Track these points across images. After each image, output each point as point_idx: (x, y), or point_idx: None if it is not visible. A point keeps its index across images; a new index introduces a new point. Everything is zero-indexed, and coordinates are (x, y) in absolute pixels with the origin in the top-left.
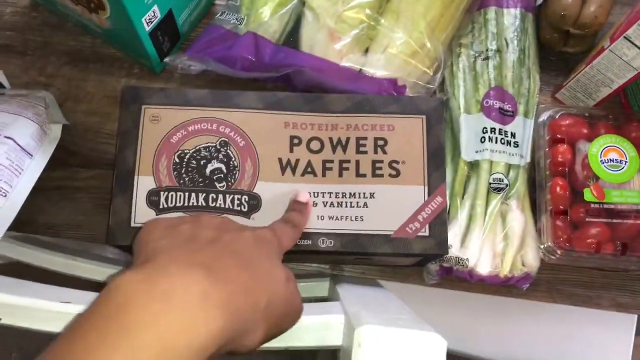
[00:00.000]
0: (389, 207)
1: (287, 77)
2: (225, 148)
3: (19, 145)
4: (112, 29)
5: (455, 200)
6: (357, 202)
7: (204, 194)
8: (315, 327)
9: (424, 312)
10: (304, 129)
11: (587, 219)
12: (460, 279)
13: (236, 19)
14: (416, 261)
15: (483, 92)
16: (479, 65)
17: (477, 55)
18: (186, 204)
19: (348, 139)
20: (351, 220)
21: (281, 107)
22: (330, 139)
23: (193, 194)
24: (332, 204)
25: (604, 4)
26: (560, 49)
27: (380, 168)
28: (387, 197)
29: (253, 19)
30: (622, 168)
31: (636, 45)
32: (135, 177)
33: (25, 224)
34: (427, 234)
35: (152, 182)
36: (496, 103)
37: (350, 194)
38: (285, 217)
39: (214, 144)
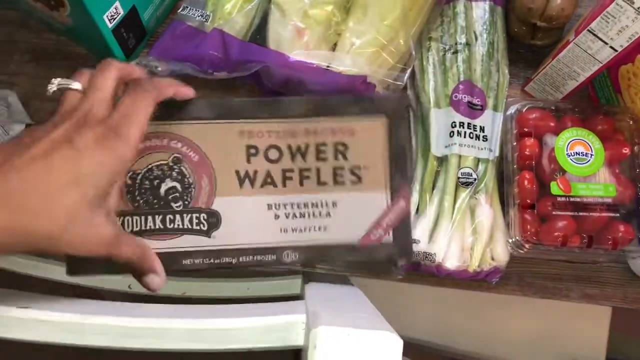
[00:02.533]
0: (353, 215)
1: (256, 75)
2: (178, 165)
3: None
4: (75, 26)
5: (425, 196)
6: (320, 212)
7: (161, 216)
8: (277, 328)
9: (402, 308)
10: (261, 137)
11: (554, 212)
12: (427, 273)
13: (201, 15)
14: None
15: (452, 86)
16: (448, 59)
17: (446, 49)
18: (143, 227)
19: (307, 146)
20: (315, 231)
21: (235, 115)
22: (289, 147)
23: (149, 217)
24: (294, 215)
25: None
26: (529, 42)
27: (342, 175)
28: (350, 205)
29: (219, 16)
30: (588, 161)
31: (600, 39)
32: None
33: None
34: (391, 240)
35: None
36: (465, 97)
37: (312, 203)
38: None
39: (166, 162)
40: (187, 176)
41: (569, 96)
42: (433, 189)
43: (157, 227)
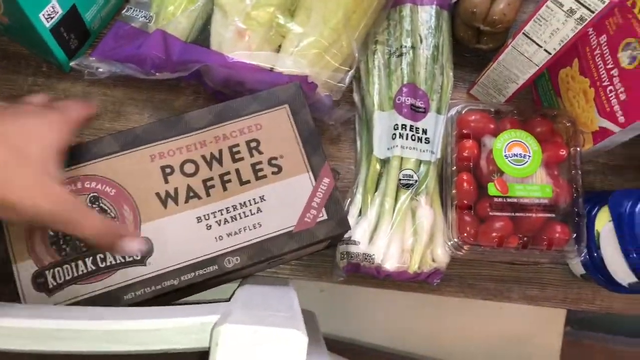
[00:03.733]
0: (283, 204)
1: (199, 75)
2: (97, 203)
3: None
4: (12, 25)
5: (367, 197)
6: (250, 210)
7: (91, 258)
8: (192, 329)
9: (358, 311)
10: (172, 155)
11: (491, 213)
12: (368, 275)
13: (144, 16)
14: (325, 246)
15: (396, 89)
16: (393, 63)
17: (392, 51)
18: (75, 274)
19: (221, 151)
20: (249, 229)
21: (141, 142)
22: (203, 157)
23: (80, 262)
24: (225, 220)
25: (512, 2)
26: (474, 46)
27: (262, 169)
28: (277, 196)
29: (162, 17)
30: (526, 162)
31: (534, 42)
32: (14, 267)
33: None
34: (325, 217)
35: (32, 265)
36: (408, 99)
37: (240, 204)
38: None
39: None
40: (108, 211)
41: (511, 99)
42: (375, 191)
43: (89, 269)
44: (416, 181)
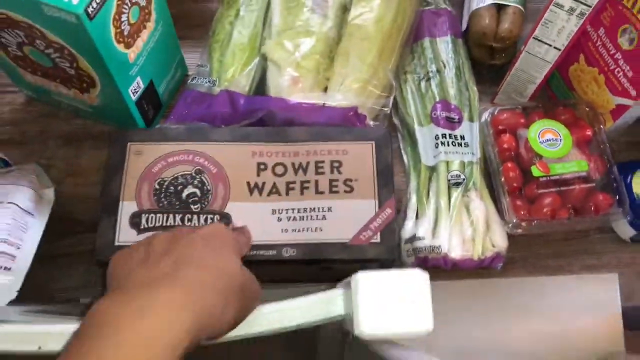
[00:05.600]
0: (345, 219)
1: (261, 122)
2: (200, 175)
3: (21, 208)
4: (102, 104)
5: (422, 201)
6: (317, 215)
7: (181, 215)
8: (319, 302)
9: None
10: (269, 156)
11: (539, 192)
12: (435, 267)
13: (208, 81)
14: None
15: (430, 107)
16: (423, 86)
17: (420, 77)
18: (164, 224)
19: (308, 163)
20: (311, 231)
21: (248, 139)
22: (293, 164)
23: (171, 215)
24: (294, 218)
25: (515, 20)
26: (489, 63)
27: (337, 186)
28: (343, 210)
29: (224, 80)
30: (559, 145)
31: (545, 42)
32: (120, 203)
33: (40, 291)
34: (378, 240)
35: (134, 206)
36: (443, 113)
37: (310, 208)
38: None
39: (189, 172)
40: (206, 184)
41: (531, 99)
42: (428, 194)
43: (176, 223)
44: (464, 179)
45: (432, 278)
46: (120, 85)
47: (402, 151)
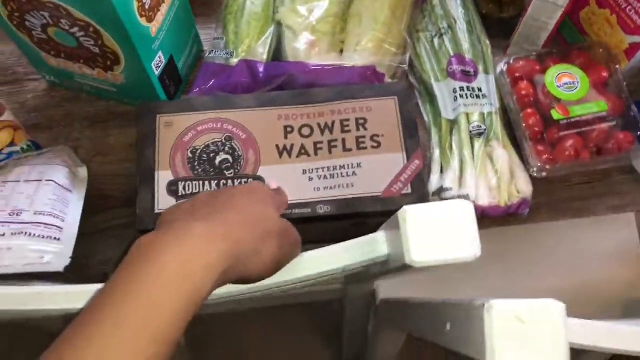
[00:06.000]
0: (375, 173)
1: (280, 87)
2: (229, 142)
3: (59, 184)
4: (126, 81)
5: (445, 152)
6: (347, 172)
7: (216, 181)
8: (361, 244)
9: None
10: (295, 119)
11: (560, 134)
12: None
13: (226, 53)
14: None
15: (445, 61)
16: (436, 43)
17: (432, 34)
18: (201, 190)
19: (333, 122)
20: (343, 187)
21: (273, 104)
22: (318, 124)
23: (206, 182)
24: (325, 176)
25: None
26: (498, 16)
27: (364, 142)
28: (372, 165)
29: (241, 50)
30: (576, 87)
31: None
32: (156, 172)
33: (82, 267)
34: (409, 191)
35: (170, 175)
36: (458, 67)
37: (339, 166)
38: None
39: (219, 139)
40: (237, 150)
41: (544, 46)
42: (450, 147)
43: (212, 189)
44: (485, 129)
45: None
46: (143, 59)
47: (421, 107)
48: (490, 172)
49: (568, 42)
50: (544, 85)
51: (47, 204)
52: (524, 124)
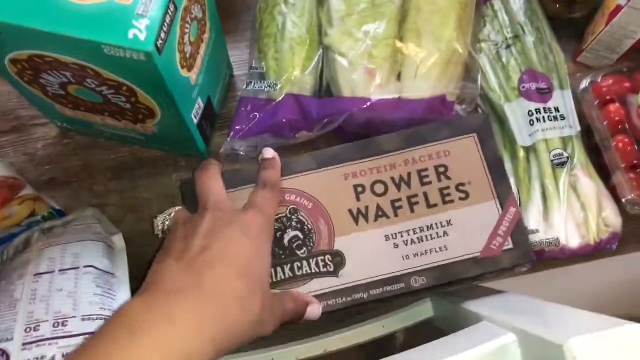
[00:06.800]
0: (469, 230)
1: (338, 129)
2: (295, 214)
3: (100, 269)
4: (157, 132)
5: (523, 186)
6: (437, 233)
7: (289, 265)
8: (491, 354)
9: None
10: (364, 175)
11: None
12: (550, 258)
13: (268, 85)
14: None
15: (516, 78)
16: (504, 55)
17: (498, 45)
18: (274, 279)
19: (409, 174)
20: (435, 252)
21: (336, 161)
22: (392, 179)
23: (279, 268)
24: (412, 241)
25: None
26: (567, 17)
27: (449, 194)
28: (464, 221)
29: (286, 80)
30: None
31: None
32: None
33: None
34: (511, 246)
35: None
36: (532, 85)
37: (427, 226)
38: (259, 180)
39: (284, 213)
40: (306, 223)
41: (624, 55)
42: (529, 179)
43: (287, 276)
44: (567, 157)
45: (545, 268)
46: (183, 111)
47: None
48: (576, 206)
49: None
50: (639, 106)
51: (94, 303)
52: (616, 152)
